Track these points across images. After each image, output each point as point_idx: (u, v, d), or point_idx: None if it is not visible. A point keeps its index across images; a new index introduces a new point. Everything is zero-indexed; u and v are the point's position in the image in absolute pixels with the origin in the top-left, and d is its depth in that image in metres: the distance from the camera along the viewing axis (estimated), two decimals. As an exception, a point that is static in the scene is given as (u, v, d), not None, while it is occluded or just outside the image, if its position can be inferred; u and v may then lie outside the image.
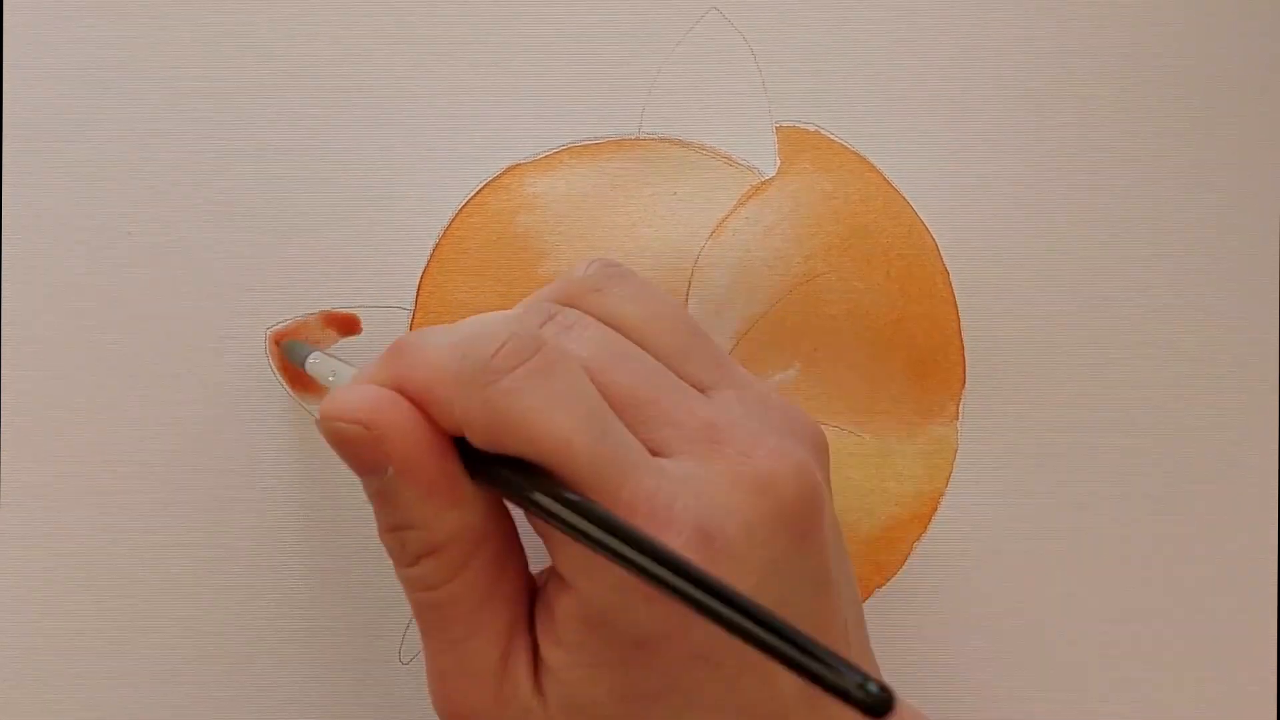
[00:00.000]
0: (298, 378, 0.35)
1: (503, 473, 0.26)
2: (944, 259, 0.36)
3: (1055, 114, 0.36)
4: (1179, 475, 0.36)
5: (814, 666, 0.22)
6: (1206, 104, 0.37)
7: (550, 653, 0.27)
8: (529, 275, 0.35)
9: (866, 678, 0.21)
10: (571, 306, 0.29)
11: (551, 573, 0.27)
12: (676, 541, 0.25)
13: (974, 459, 0.36)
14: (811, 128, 0.36)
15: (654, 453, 0.26)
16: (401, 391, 0.26)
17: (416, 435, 0.26)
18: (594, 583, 0.26)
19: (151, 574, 0.36)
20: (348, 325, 0.35)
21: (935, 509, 0.36)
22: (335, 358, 0.33)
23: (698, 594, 0.23)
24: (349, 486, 0.36)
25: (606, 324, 0.28)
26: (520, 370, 0.25)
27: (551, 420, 0.25)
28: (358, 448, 0.26)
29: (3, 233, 0.36)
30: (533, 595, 0.28)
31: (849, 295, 0.36)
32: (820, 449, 0.28)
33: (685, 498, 0.25)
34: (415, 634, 0.36)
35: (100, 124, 0.36)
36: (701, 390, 0.28)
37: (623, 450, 0.26)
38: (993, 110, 0.36)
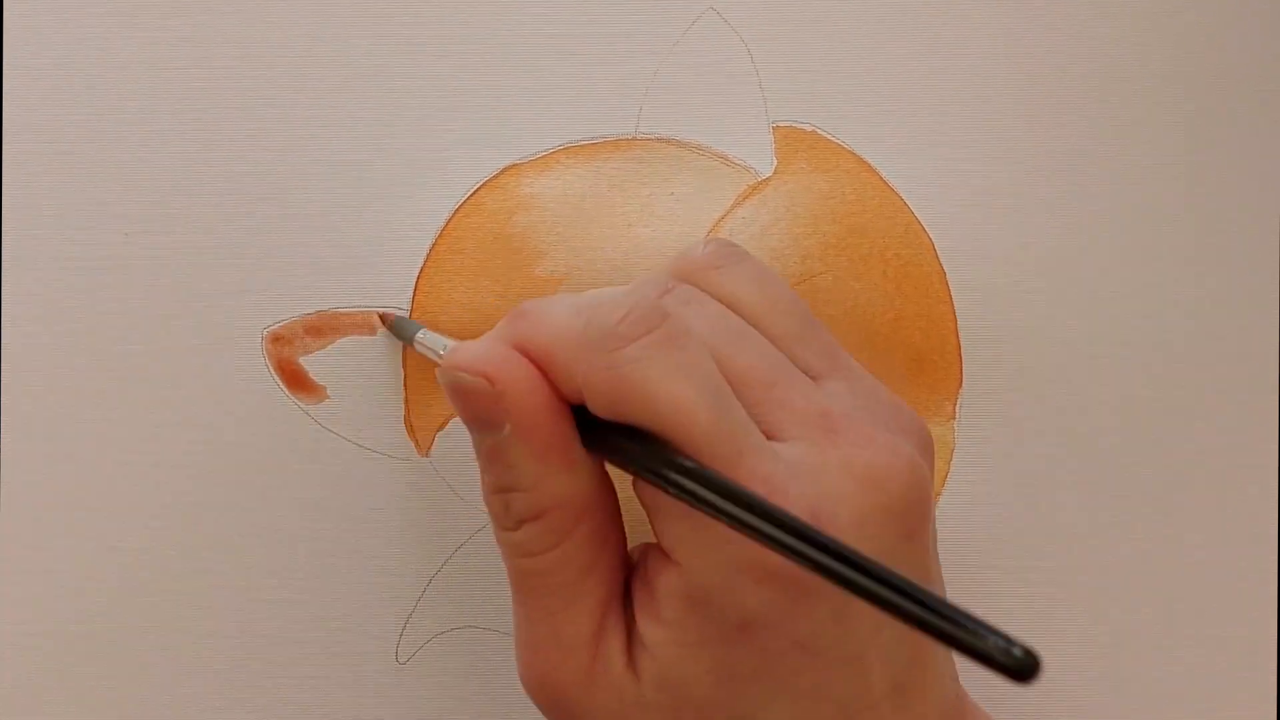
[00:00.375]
0: (294, 378, 0.36)
1: (620, 440, 0.26)
2: (940, 259, 0.36)
3: (1053, 114, 0.36)
4: (1177, 475, 0.36)
5: (955, 630, 0.21)
6: (1206, 104, 0.36)
7: (648, 629, 0.27)
8: (526, 275, 0.35)
9: (1010, 640, 0.20)
10: (689, 283, 0.29)
11: (653, 549, 0.27)
12: None
13: (971, 459, 0.36)
14: (808, 127, 0.36)
15: (768, 435, 0.26)
16: (524, 353, 0.27)
17: (537, 394, 0.26)
18: (703, 560, 0.26)
19: (149, 575, 0.36)
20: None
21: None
22: (442, 335, 0.33)
23: (826, 559, 0.23)
24: (347, 486, 0.36)
25: (724, 303, 0.28)
26: (645, 339, 0.25)
27: (675, 390, 0.25)
28: (478, 401, 0.26)
29: (2, 233, 0.36)
30: (628, 573, 0.28)
31: (846, 295, 0.36)
32: (927, 447, 0.29)
33: (800, 483, 0.25)
34: (413, 634, 0.36)
35: (99, 125, 0.36)
36: (814, 377, 0.28)
37: (741, 429, 0.26)
38: (989, 110, 0.36)
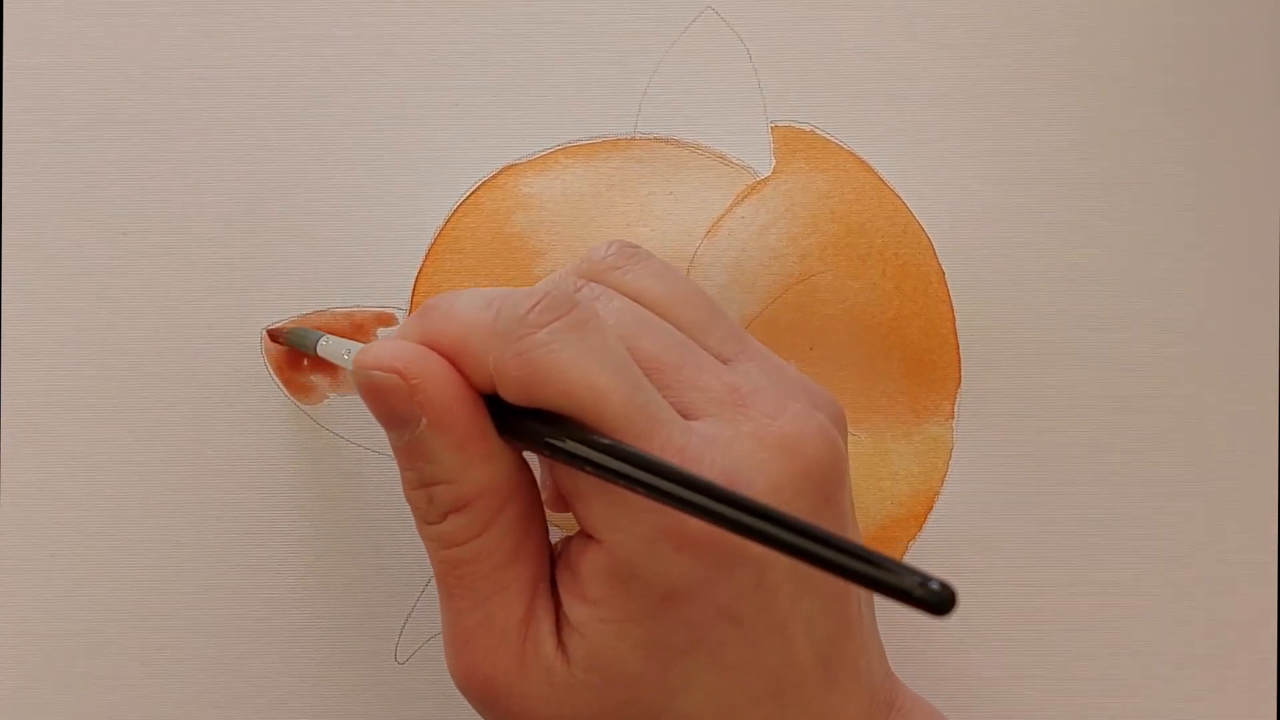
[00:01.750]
0: (293, 378, 0.36)
1: (535, 425, 0.26)
2: (939, 258, 0.36)
3: (1052, 113, 0.36)
4: (1176, 475, 0.36)
5: (873, 570, 0.22)
6: (1206, 103, 0.36)
7: (575, 609, 0.27)
8: (524, 275, 0.35)
9: (926, 576, 0.21)
10: (595, 282, 0.29)
11: (576, 534, 0.28)
12: None
13: (969, 458, 0.36)
14: (807, 127, 0.36)
15: (682, 415, 0.27)
16: (433, 347, 0.27)
17: (451, 387, 0.26)
18: (624, 534, 0.26)
19: (149, 574, 0.36)
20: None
21: (930, 508, 0.36)
22: (344, 340, 0.33)
23: (742, 516, 0.23)
24: (346, 486, 0.36)
25: (629, 298, 0.29)
26: (555, 324, 0.26)
27: (586, 372, 0.25)
28: (392, 397, 0.27)
29: (2, 232, 0.36)
30: (552, 559, 0.29)
31: (844, 294, 0.36)
32: (839, 418, 0.29)
33: (714, 454, 0.26)
34: (411, 633, 0.36)
35: (98, 124, 0.36)
36: (723, 361, 0.29)
37: (653, 406, 0.26)
38: (989, 110, 0.36)
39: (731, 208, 0.36)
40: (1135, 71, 0.36)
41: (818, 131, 0.36)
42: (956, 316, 0.36)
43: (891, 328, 0.36)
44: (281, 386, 0.36)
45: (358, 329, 0.36)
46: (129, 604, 0.36)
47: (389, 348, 0.27)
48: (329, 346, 0.33)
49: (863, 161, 0.36)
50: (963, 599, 0.35)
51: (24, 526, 0.36)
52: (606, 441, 0.25)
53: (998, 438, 0.36)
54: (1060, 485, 0.36)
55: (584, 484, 0.26)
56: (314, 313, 0.36)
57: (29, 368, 0.36)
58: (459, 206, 0.36)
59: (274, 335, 0.35)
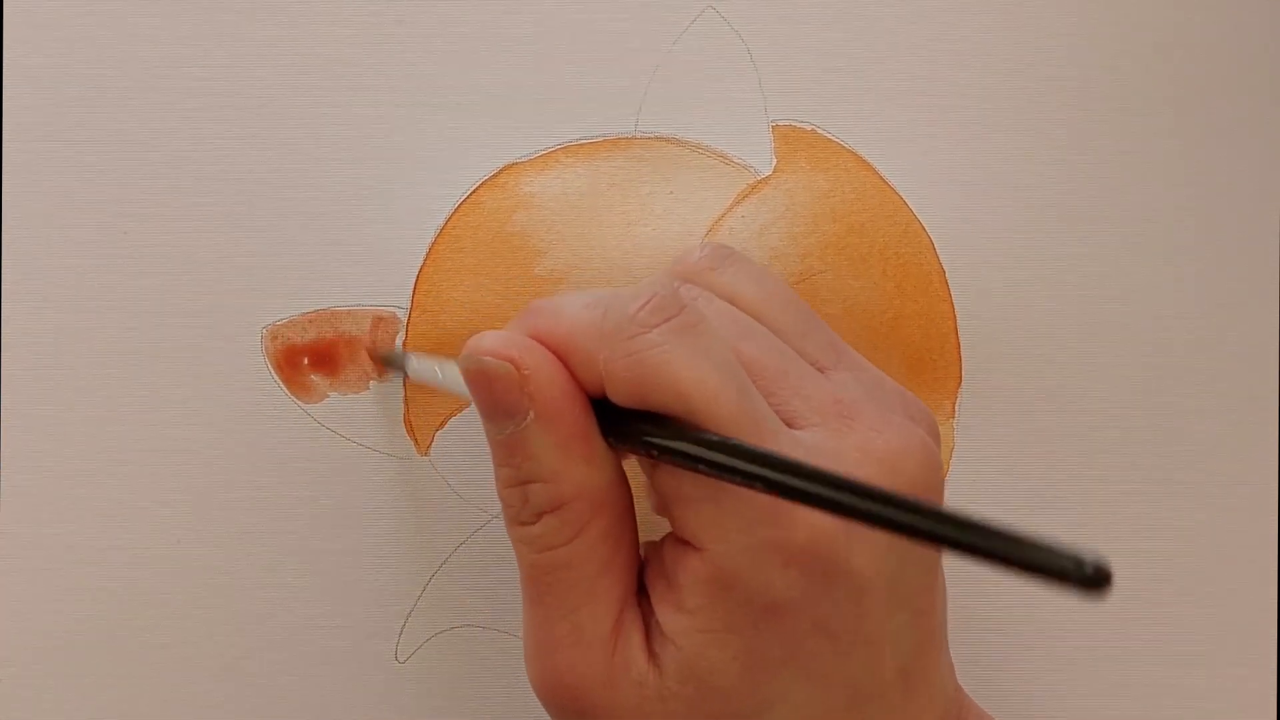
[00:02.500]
0: (293, 377, 0.36)
1: (644, 426, 0.26)
2: (940, 258, 0.36)
3: (1052, 113, 0.36)
4: (1177, 473, 0.36)
5: (1024, 552, 0.20)
6: (1206, 103, 0.36)
7: (671, 619, 0.26)
8: (525, 274, 0.35)
9: (1079, 554, 0.20)
10: (687, 284, 0.29)
11: (668, 541, 0.27)
12: (810, 512, 0.25)
13: (970, 458, 0.36)
14: (808, 126, 0.36)
15: (786, 423, 0.27)
16: (542, 345, 0.27)
17: (561, 381, 0.26)
18: (729, 543, 0.26)
19: (149, 574, 0.36)
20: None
21: (931, 508, 0.36)
22: (432, 357, 0.33)
23: (875, 506, 0.22)
24: (346, 485, 0.36)
25: (727, 301, 0.29)
26: (666, 325, 0.26)
27: (700, 374, 0.25)
28: (502, 386, 0.26)
29: (2, 232, 0.36)
30: (641, 568, 0.28)
31: (845, 294, 0.36)
32: (935, 431, 0.29)
33: (820, 464, 0.25)
34: (412, 633, 0.36)
35: (98, 123, 0.36)
36: (820, 370, 0.28)
37: (761, 412, 0.26)
38: (989, 109, 0.36)
39: (732, 207, 0.36)
40: (1137, 71, 0.36)
41: (819, 131, 0.36)
42: (957, 316, 0.36)
43: (892, 327, 0.36)
44: (281, 385, 0.36)
45: (349, 338, 0.36)
46: (128, 604, 0.36)
47: (502, 336, 0.27)
48: (420, 367, 0.32)
49: (864, 161, 0.36)
50: (961, 597, 0.35)
51: (24, 526, 0.36)
52: (722, 439, 0.25)
53: (998, 437, 0.36)
54: (1061, 484, 0.36)
55: (689, 489, 0.26)
56: (314, 311, 0.36)
57: (29, 367, 0.36)
58: (460, 205, 0.36)
59: (374, 358, 0.35)
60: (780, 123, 0.36)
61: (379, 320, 0.36)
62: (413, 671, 0.36)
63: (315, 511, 0.36)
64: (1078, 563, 0.20)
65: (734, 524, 0.25)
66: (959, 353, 0.36)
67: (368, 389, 0.36)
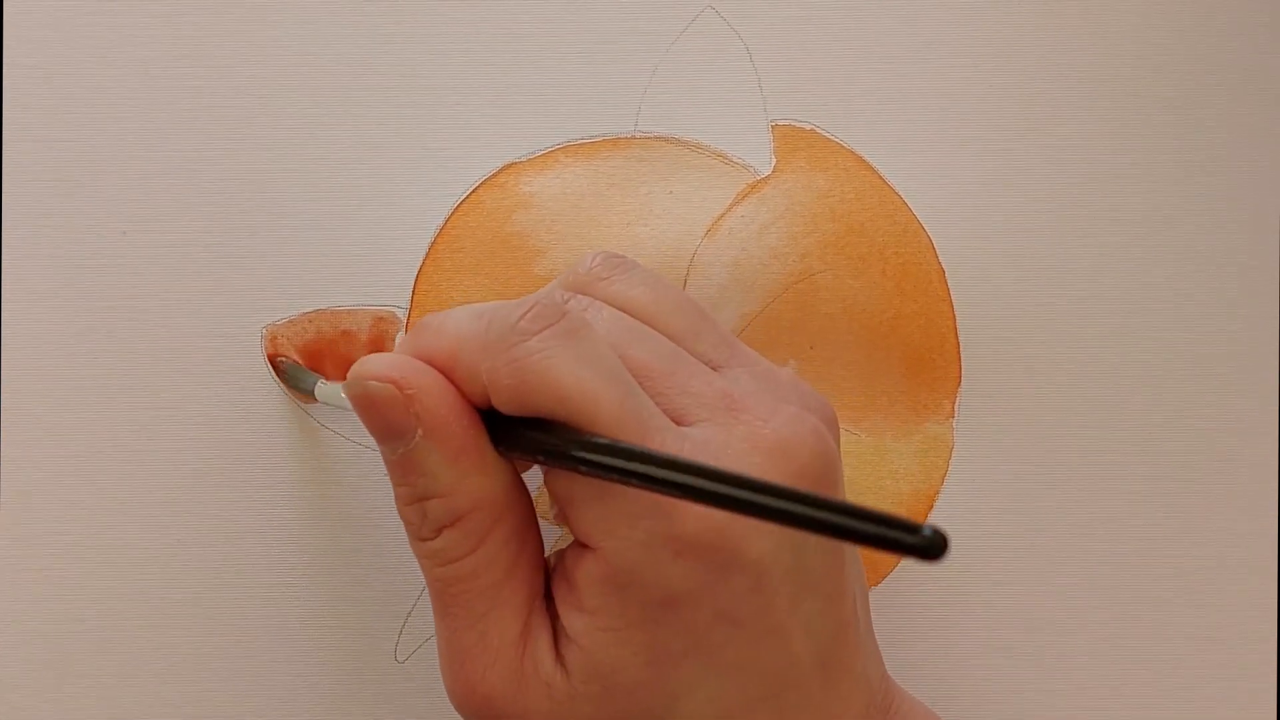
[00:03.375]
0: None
1: (529, 432, 0.26)
2: (940, 258, 0.36)
3: (1052, 112, 0.36)
4: (1177, 474, 0.36)
5: (870, 526, 0.22)
6: (1206, 103, 0.36)
7: (573, 620, 0.27)
8: (525, 274, 0.35)
9: (915, 525, 0.21)
10: (582, 294, 0.29)
11: (570, 545, 0.28)
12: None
13: (970, 458, 0.36)
14: (807, 126, 0.36)
15: (674, 421, 0.27)
16: (428, 361, 0.27)
17: (446, 397, 0.27)
18: (621, 540, 0.26)
19: (149, 574, 0.36)
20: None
21: (931, 508, 0.36)
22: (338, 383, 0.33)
23: (748, 495, 0.23)
24: (346, 485, 0.36)
25: (617, 308, 0.29)
26: (546, 332, 0.26)
27: (579, 377, 0.26)
28: (388, 408, 0.27)
29: (2, 231, 0.36)
30: (546, 572, 0.29)
31: (844, 294, 0.36)
32: (831, 421, 0.29)
33: (706, 459, 0.26)
34: (412, 632, 0.36)
35: (98, 123, 0.36)
36: (713, 368, 0.29)
37: (646, 411, 0.26)
38: (989, 109, 0.36)
39: (732, 207, 0.36)
40: (1138, 71, 0.36)
41: (818, 130, 0.36)
42: (957, 316, 0.36)
43: (892, 327, 0.36)
44: (281, 384, 0.36)
45: (349, 338, 0.36)
46: (128, 604, 0.36)
47: (384, 360, 0.27)
48: (326, 390, 0.33)
49: (863, 160, 0.36)
50: (960, 597, 0.35)
51: (24, 526, 0.36)
52: (604, 441, 0.25)
53: (998, 437, 0.36)
54: (1061, 484, 0.36)
55: (579, 491, 0.26)
56: (314, 311, 0.36)
57: (29, 367, 0.36)
58: (459, 205, 0.36)
59: (274, 364, 0.35)
60: (780, 122, 0.36)
61: (379, 320, 0.36)
62: (413, 671, 0.36)
63: (315, 511, 0.36)
64: (915, 529, 0.21)
65: (623, 520, 0.26)
66: (959, 352, 0.36)
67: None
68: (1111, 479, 0.36)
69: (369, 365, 0.27)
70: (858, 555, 0.30)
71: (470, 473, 0.27)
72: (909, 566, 0.36)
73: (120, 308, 0.36)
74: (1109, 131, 0.36)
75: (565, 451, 0.25)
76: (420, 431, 0.26)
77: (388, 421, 0.27)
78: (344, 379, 0.35)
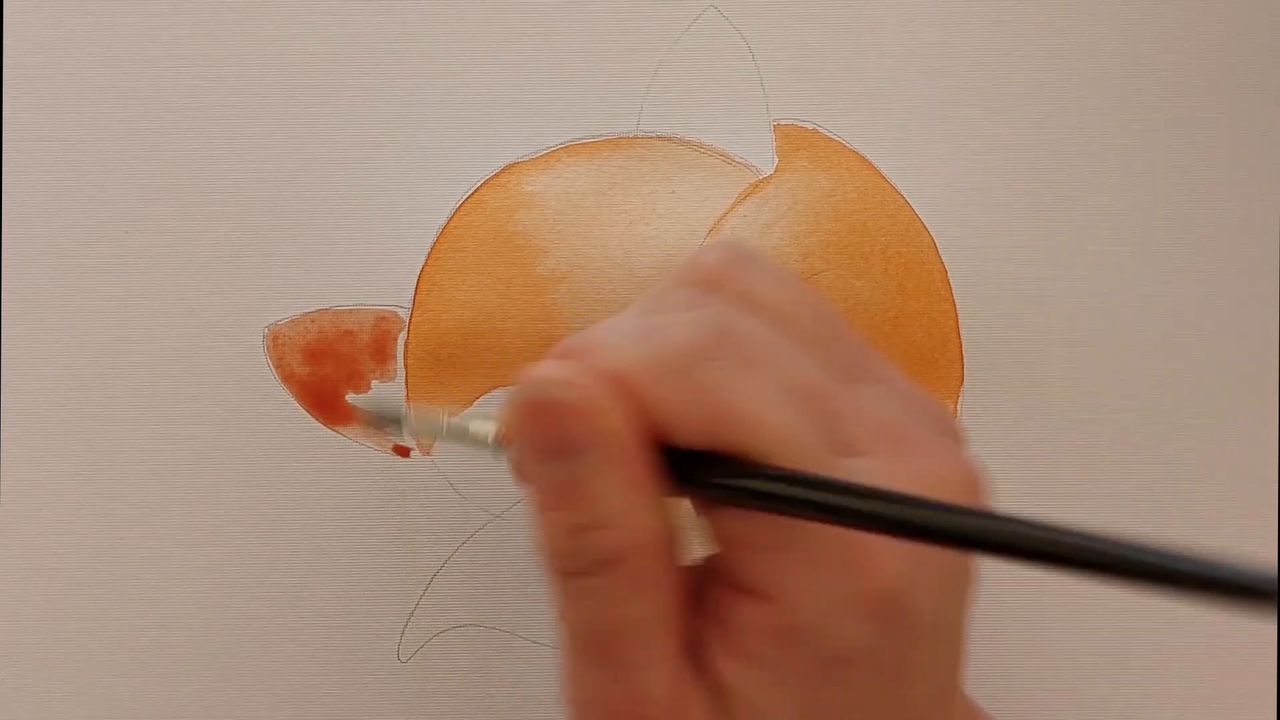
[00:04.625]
0: (293, 376, 0.36)
1: (716, 465, 0.24)
2: (942, 257, 0.36)
3: (1054, 112, 0.36)
4: (1178, 474, 0.36)
5: (1198, 569, 0.19)
6: (1206, 103, 0.36)
7: (732, 670, 0.24)
8: (527, 273, 0.35)
9: (1245, 569, 0.18)
10: (712, 293, 0.26)
11: (718, 587, 0.25)
12: (887, 557, 0.24)
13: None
14: (809, 125, 0.36)
15: (844, 448, 0.25)
16: None
17: (630, 416, 0.24)
18: (804, 593, 0.24)
19: (151, 573, 0.36)
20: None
21: (933, 507, 0.36)
22: (434, 407, 0.32)
23: (990, 525, 0.21)
24: (348, 485, 0.36)
25: (760, 313, 0.26)
26: (725, 358, 0.24)
27: (765, 407, 0.23)
28: (570, 419, 0.23)
29: (2, 232, 0.36)
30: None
31: (847, 293, 0.36)
32: (966, 442, 0.27)
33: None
34: (414, 632, 0.36)
35: (99, 123, 0.36)
36: (853, 379, 0.27)
37: (825, 446, 0.24)
38: (991, 108, 0.36)
39: (734, 206, 0.36)
40: (1138, 71, 0.36)
41: (820, 129, 0.36)
42: (959, 315, 0.36)
43: (894, 326, 0.36)
44: (282, 384, 0.35)
45: (350, 338, 0.36)
46: (130, 603, 0.36)
47: (566, 366, 0.24)
48: (421, 419, 0.29)
49: (865, 160, 0.36)
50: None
51: (24, 526, 0.36)
52: (798, 472, 0.23)
53: (1001, 436, 0.36)
54: (1063, 483, 0.36)
55: (757, 535, 0.24)
56: (316, 311, 0.36)
57: (30, 367, 0.36)
58: (461, 205, 0.36)
59: (365, 421, 0.34)
60: (782, 122, 0.36)
61: (381, 319, 0.36)
62: (415, 671, 0.36)
63: (317, 511, 0.36)
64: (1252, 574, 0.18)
65: (807, 573, 0.24)
66: (961, 352, 0.36)
67: (370, 389, 0.36)
68: (1113, 479, 0.36)
69: (551, 370, 0.24)
70: None
71: (645, 506, 0.24)
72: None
73: (122, 307, 0.36)
74: (1112, 132, 0.36)
75: (760, 489, 0.23)
76: (594, 452, 0.23)
77: (564, 433, 0.23)
78: (345, 378, 0.35)
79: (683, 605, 0.25)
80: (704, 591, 0.25)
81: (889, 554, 0.24)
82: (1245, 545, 0.37)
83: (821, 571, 0.24)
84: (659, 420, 0.24)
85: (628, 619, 0.24)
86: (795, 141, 0.36)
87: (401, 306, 0.36)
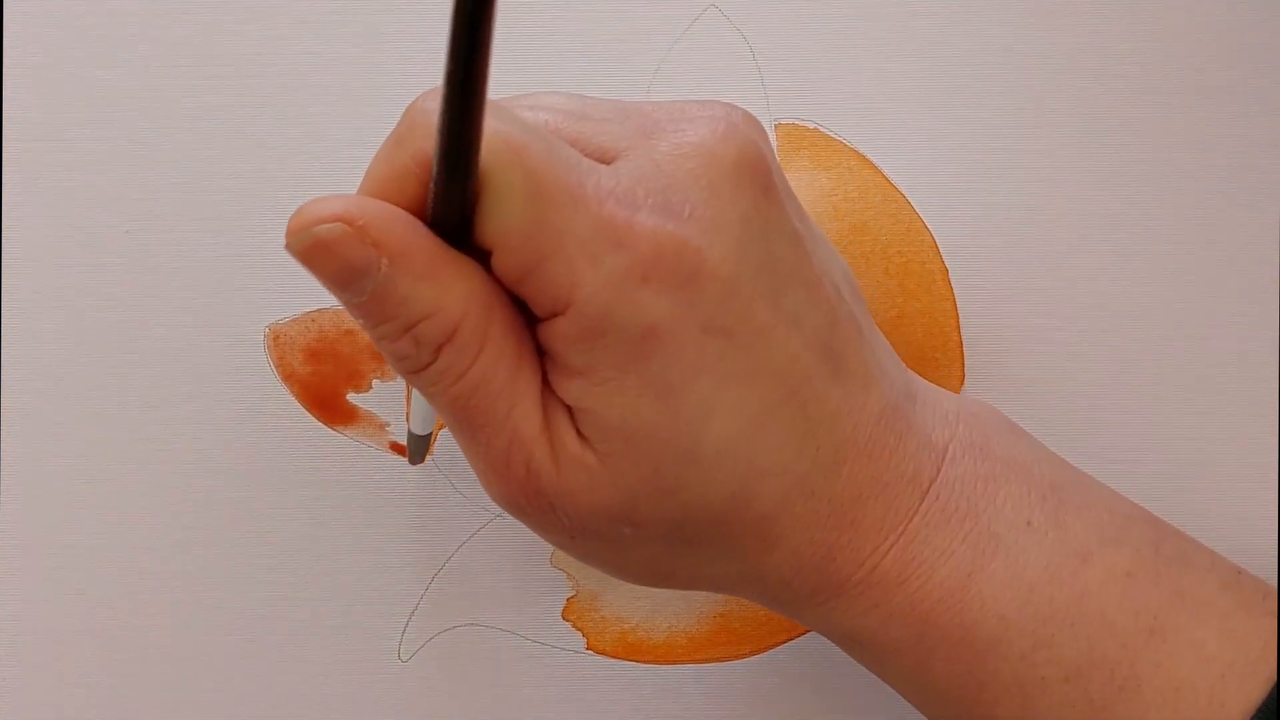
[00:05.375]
0: (294, 375, 0.36)
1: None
2: (943, 257, 0.36)
3: (1055, 112, 0.36)
4: (1179, 474, 0.36)
5: None
6: (1207, 102, 0.36)
7: (569, 389, 0.26)
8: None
9: None
10: None
11: (538, 324, 0.27)
12: (649, 222, 0.25)
13: (973, 456, 0.36)
14: (810, 125, 0.36)
15: (599, 162, 0.26)
16: (365, 192, 0.26)
17: (398, 215, 0.25)
18: (588, 288, 0.25)
19: (151, 573, 0.36)
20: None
21: (934, 506, 0.36)
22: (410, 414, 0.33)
23: None
24: (349, 484, 0.36)
25: None
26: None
27: (500, 131, 0.25)
28: (344, 248, 0.25)
29: (2, 232, 0.36)
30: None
31: (848, 293, 0.36)
32: (751, 119, 0.28)
33: (645, 184, 0.25)
34: (414, 631, 0.36)
35: (101, 122, 0.36)
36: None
37: (574, 156, 0.26)
38: (992, 108, 0.36)
39: (735, 206, 0.36)
40: (1139, 71, 0.36)
41: (822, 129, 0.36)
42: (960, 315, 0.36)
43: (895, 326, 0.36)
44: (283, 383, 0.36)
45: (351, 337, 0.36)
46: (129, 603, 0.36)
47: (321, 203, 0.25)
48: (416, 418, 0.32)
49: (867, 160, 0.36)
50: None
51: (24, 527, 0.36)
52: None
53: (1001, 436, 0.36)
54: (1063, 483, 0.36)
55: (527, 257, 0.25)
56: (317, 310, 0.36)
57: (29, 367, 0.36)
58: (462, 204, 0.36)
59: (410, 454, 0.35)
60: (783, 121, 0.36)
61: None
62: (416, 670, 0.36)
63: (318, 511, 0.36)
64: None
65: (581, 269, 0.25)
66: (962, 352, 0.36)
67: (370, 389, 0.36)
68: (1114, 478, 0.36)
69: (308, 213, 0.25)
70: (829, 243, 0.29)
71: (449, 281, 0.25)
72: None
73: (123, 307, 0.36)
74: (1113, 130, 0.36)
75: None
76: (385, 260, 0.25)
77: (347, 263, 0.25)
78: (346, 378, 0.35)
79: (531, 345, 0.27)
80: (537, 333, 0.27)
81: (648, 220, 0.25)
82: (1245, 545, 0.37)
83: (592, 260, 0.25)
84: (419, 196, 0.26)
85: (479, 381, 0.26)
86: (796, 141, 0.36)
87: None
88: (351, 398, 0.36)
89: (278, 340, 0.36)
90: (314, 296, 0.36)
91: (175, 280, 0.36)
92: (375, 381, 0.36)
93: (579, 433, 0.27)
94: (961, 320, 0.36)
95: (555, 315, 0.26)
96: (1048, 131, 0.36)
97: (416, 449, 0.34)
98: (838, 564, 0.28)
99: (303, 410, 0.36)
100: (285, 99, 0.36)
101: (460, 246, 0.26)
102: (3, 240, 0.36)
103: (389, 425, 0.36)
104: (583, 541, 0.28)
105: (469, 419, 0.27)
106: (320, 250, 0.25)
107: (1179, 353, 0.36)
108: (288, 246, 0.25)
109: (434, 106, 0.25)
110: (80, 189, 0.36)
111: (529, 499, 0.27)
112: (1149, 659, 0.28)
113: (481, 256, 0.26)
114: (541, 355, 0.27)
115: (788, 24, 0.36)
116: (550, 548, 0.36)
